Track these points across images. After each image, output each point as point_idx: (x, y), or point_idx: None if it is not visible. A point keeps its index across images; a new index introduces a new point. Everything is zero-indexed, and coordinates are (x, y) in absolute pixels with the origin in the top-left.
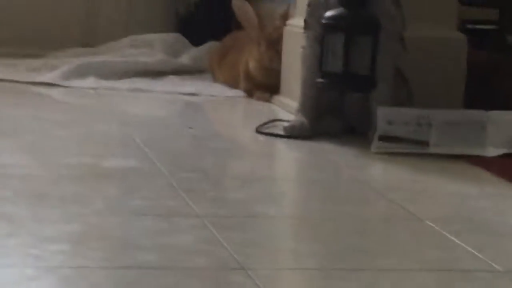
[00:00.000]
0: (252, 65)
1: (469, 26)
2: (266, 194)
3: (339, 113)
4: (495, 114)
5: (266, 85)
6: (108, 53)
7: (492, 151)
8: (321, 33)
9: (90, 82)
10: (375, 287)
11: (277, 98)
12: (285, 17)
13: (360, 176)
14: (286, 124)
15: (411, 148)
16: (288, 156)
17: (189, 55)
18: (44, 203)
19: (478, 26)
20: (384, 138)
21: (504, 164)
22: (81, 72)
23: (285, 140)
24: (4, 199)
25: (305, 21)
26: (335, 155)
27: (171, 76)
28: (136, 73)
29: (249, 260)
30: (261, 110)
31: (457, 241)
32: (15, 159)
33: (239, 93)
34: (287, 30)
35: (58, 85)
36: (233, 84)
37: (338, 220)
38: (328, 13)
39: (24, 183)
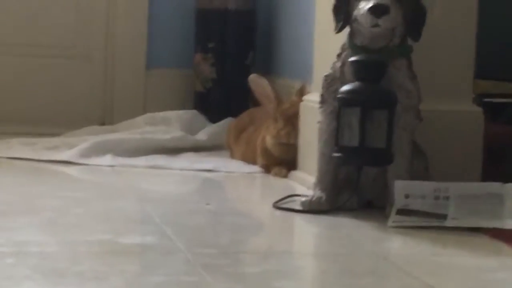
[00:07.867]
0: (269, 141)
1: (486, 99)
2: (283, 269)
3: (356, 187)
4: None
5: (283, 161)
6: (126, 131)
7: (510, 224)
8: (337, 108)
9: (107, 159)
10: None
11: (294, 173)
12: (302, 92)
13: (377, 250)
14: (303, 199)
15: (429, 222)
16: (306, 231)
17: (206, 132)
18: (62, 280)
19: (494, 100)
20: (401, 211)
21: None
22: (98, 150)
23: (302, 215)
24: (23, 277)
25: (321, 95)
26: (353, 229)
27: (188, 153)
28: (153, 150)
29: None
30: (279, 185)
31: None
32: (33, 237)
33: (256, 169)
34: (304, 105)
35: (76, 163)
36: (250, 160)
37: None
38: (344, 88)
39: (42, 261)
